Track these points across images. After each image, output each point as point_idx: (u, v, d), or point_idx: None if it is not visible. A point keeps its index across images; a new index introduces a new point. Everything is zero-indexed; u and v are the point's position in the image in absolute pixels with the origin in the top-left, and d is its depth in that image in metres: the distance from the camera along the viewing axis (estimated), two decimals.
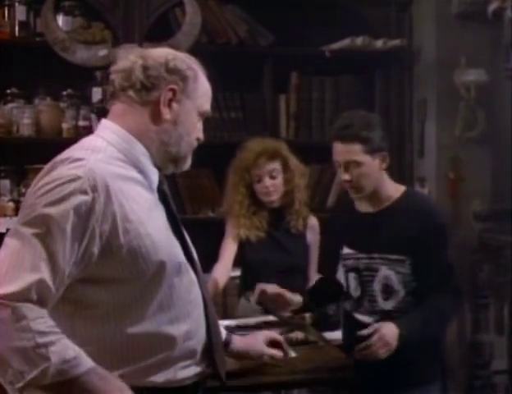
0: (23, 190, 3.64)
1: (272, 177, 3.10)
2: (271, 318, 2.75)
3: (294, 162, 3.15)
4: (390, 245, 2.48)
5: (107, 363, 1.64)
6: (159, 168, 1.83)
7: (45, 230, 1.58)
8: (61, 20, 3.72)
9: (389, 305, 2.50)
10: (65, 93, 3.82)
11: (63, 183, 1.61)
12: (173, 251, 1.77)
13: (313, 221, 3.20)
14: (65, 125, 3.76)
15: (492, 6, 3.66)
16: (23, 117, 3.71)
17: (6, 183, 3.71)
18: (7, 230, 3.48)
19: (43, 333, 1.53)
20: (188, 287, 1.79)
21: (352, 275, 2.55)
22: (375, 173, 2.51)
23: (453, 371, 3.83)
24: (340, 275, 2.60)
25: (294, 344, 2.41)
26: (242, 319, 2.73)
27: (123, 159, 1.74)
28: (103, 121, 1.82)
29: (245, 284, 3.15)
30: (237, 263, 3.16)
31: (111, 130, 1.78)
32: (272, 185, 3.10)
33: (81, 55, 3.48)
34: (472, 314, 3.76)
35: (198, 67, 1.85)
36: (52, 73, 3.64)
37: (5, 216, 3.59)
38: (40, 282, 1.55)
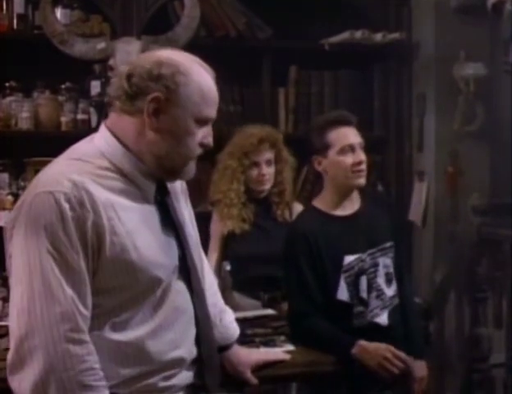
0: (22, 184, 3.63)
1: (268, 166, 3.08)
2: (270, 311, 2.75)
3: (286, 153, 3.14)
4: (383, 234, 2.60)
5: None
6: (160, 179, 1.77)
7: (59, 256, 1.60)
8: (59, 13, 3.72)
9: (391, 291, 2.58)
10: (63, 86, 3.82)
11: (53, 204, 1.59)
12: (164, 264, 1.73)
13: (298, 207, 3.18)
14: (63, 119, 3.76)
15: (492, 0, 3.64)
16: (21, 111, 3.70)
17: (5, 176, 3.70)
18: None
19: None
20: (174, 295, 1.75)
21: (364, 278, 2.52)
22: None
23: (451, 365, 3.84)
24: (343, 288, 2.50)
25: None
26: (241, 313, 2.72)
27: (114, 170, 1.69)
28: (102, 127, 1.77)
29: (234, 277, 3.14)
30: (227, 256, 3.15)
31: (104, 140, 1.73)
32: (268, 174, 3.08)
33: (79, 48, 3.47)
34: (470, 308, 3.76)
35: (198, 70, 1.72)
36: (50, 66, 3.62)
37: (4, 209, 3.58)
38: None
